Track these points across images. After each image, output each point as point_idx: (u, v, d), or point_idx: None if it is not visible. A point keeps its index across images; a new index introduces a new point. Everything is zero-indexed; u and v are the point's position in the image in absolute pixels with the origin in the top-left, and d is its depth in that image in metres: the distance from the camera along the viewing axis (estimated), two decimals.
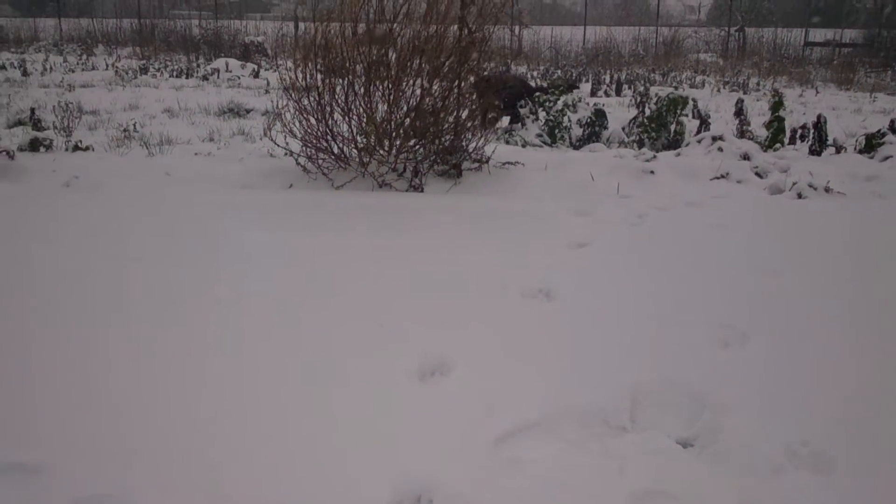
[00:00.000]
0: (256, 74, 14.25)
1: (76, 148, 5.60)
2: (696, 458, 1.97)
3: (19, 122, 6.92)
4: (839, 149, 6.06)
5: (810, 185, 4.75)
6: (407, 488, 1.81)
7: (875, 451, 1.97)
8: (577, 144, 6.89)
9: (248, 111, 8.74)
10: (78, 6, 34.83)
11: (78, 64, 15.42)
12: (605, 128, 7.15)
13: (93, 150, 5.70)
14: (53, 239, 3.53)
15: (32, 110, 6.71)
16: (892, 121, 6.35)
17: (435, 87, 5.12)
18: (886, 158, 5.52)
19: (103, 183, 4.58)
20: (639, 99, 7.96)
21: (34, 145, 5.40)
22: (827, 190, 4.77)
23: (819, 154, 6.01)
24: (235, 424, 2.04)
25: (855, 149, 6.08)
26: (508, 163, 5.39)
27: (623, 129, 7.20)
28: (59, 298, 2.81)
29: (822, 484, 1.85)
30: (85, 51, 18.54)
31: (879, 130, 6.05)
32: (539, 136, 6.84)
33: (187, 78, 13.72)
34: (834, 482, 1.85)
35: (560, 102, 7.03)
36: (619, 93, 13.33)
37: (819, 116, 6.17)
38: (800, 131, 6.52)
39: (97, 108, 8.39)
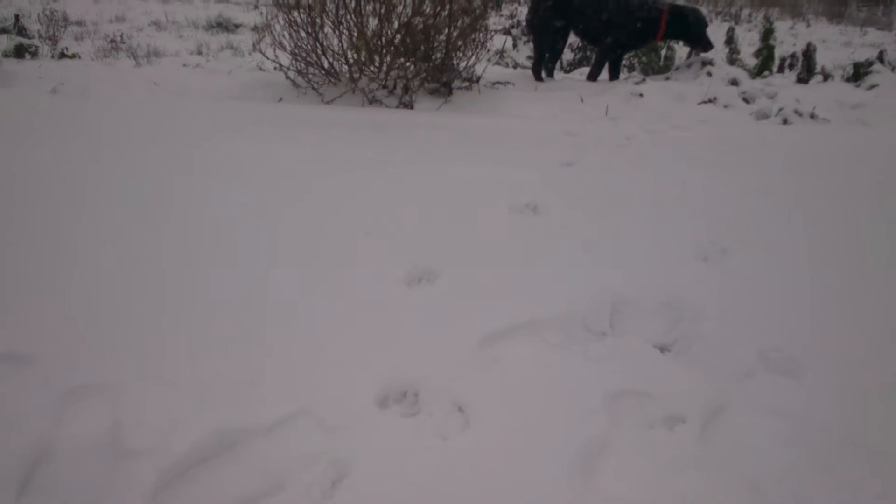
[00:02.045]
0: None
1: (62, 56, 5.52)
2: (672, 361, 2.04)
3: (3, 30, 6.75)
4: (826, 77, 6.10)
5: (796, 112, 4.81)
6: (394, 384, 1.86)
7: (841, 356, 2.05)
8: (569, 68, 6.86)
9: (237, 26, 8.58)
10: None
11: None
12: None
13: (79, 58, 5.61)
14: (39, 142, 3.47)
15: (16, 17, 6.55)
16: (880, 51, 6.37)
17: (426, 5, 5.05)
18: (872, 87, 5.57)
19: (90, 90, 4.51)
20: None
21: (19, 51, 5.31)
22: (812, 116, 4.83)
23: (807, 82, 6.05)
24: (225, 324, 2.06)
25: (843, 77, 6.11)
26: (499, 82, 5.39)
27: None
28: (46, 198, 2.79)
29: (791, 385, 1.93)
30: None
31: (867, 59, 6.08)
32: (530, 58, 6.79)
33: None
34: (802, 384, 1.93)
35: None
36: None
37: (808, 44, 6.19)
38: (788, 60, 6.54)
39: (83, 19, 8.18)
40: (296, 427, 1.70)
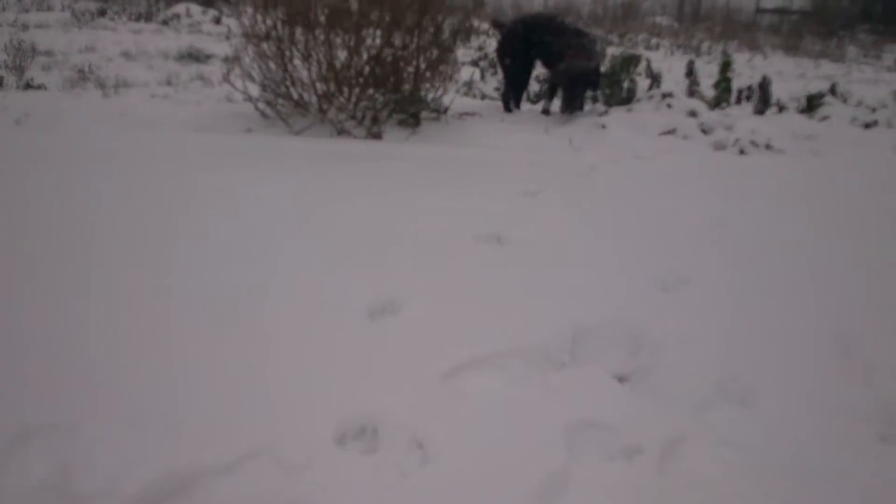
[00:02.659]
0: (218, 21, 13.92)
1: (28, 86, 5.49)
2: (631, 391, 2.07)
3: None
4: (782, 108, 6.28)
5: (752, 142, 4.96)
6: (352, 420, 1.85)
7: (797, 385, 2.10)
8: (535, 99, 6.99)
9: (207, 57, 8.58)
10: None
11: (33, 4, 14.76)
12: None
13: (46, 89, 5.58)
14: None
15: None
16: (832, 84, 6.60)
17: (396, 38, 5.14)
18: (825, 118, 5.76)
19: (56, 122, 4.49)
20: None
21: None
22: (768, 147, 4.98)
23: (763, 113, 6.22)
24: (185, 360, 2.05)
25: (797, 109, 6.30)
26: (466, 113, 5.48)
27: None
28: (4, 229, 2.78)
29: (748, 416, 1.96)
30: None
31: (820, 92, 6.29)
32: (497, 89, 6.91)
33: (146, 22, 13.33)
34: (758, 414, 1.97)
35: None
36: None
37: (764, 77, 6.37)
38: (745, 92, 6.73)
39: (52, 49, 8.14)
40: (253, 467, 1.69)
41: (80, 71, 6.58)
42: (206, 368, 2.02)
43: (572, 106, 5.58)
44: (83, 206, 3.12)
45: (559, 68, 5.55)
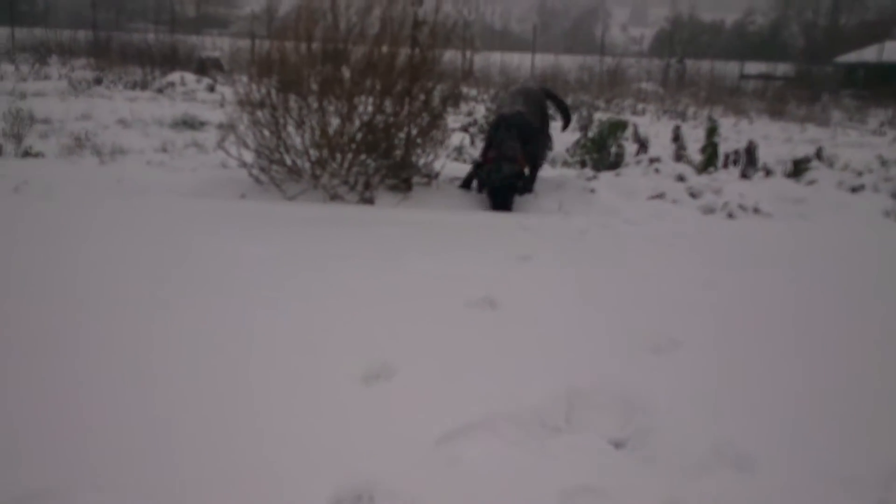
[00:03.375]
0: (212, 89, 14.16)
1: (26, 154, 5.56)
2: (628, 457, 2.05)
3: None
4: (768, 173, 6.40)
5: (740, 206, 5.04)
6: (348, 488, 1.82)
7: (792, 449, 2.10)
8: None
9: (202, 124, 8.71)
10: (32, 16, 34.05)
11: (31, 73, 15.01)
12: (550, 149, 7.38)
13: (44, 156, 5.64)
14: None
15: None
16: (818, 148, 6.74)
17: (387, 105, 5.25)
18: (811, 182, 5.87)
19: (54, 189, 4.54)
20: (583, 123, 8.24)
21: None
22: (756, 210, 5.06)
23: (750, 177, 6.34)
24: (181, 423, 2.05)
25: (783, 173, 6.42)
26: (457, 178, 5.55)
27: (567, 150, 7.45)
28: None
29: (744, 481, 1.95)
30: (38, 60, 18.05)
31: (806, 156, 6.42)
32: None
33: (142, 90, 13.56)
34: (755, 479, 1.96)
35: None
36: None
37: (750, 142, 6.52)
38: (732, 156, 6.86)
39: (49, 117, 8.24)
40: None
41: (77, 138, 6.66)
42: (198, 434, 2.00)
43: (498, 208, 5.11)
44: (76, 272, 3.13)
45: (480, 174, 5.25)
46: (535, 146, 5.40)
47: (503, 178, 4.99)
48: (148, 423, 2.04)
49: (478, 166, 5.27)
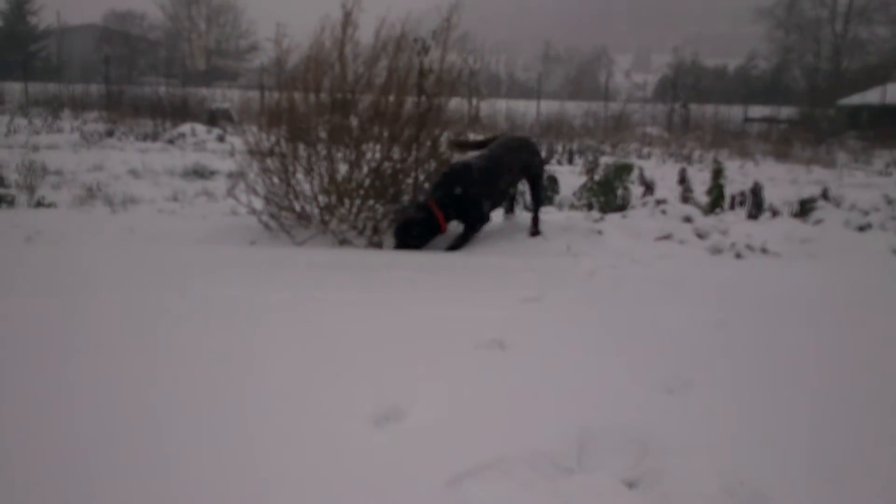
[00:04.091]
0: (222, 139, 14.36)
1: (39, 204, 5.64)
2: (641, 496, 2.02)
3: None
4: (775, 213, 6.42)
5: (748, 246, 5.04)
6: None
7: (805, 488, 2.08)
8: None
9: (212, 173, 8.83)
10: (46, 71, 34.89)
11: (43, 126, 15.31)
12: (557, 192, 7.46)
13: (56, 206, 5.72)
14: (9, 291, 3.50)
15: None
16: (824, 188, 6.76)
17: (395, 151, 5.33)
18: (818, 222, 5.87)
19: (65, 238, 4.59)
20: (589, 167, 8.32)
21: None
22: (763, 251, 5.05)
23: (756, 218, 6.35)
24: (187, 467, 2.05)
25: (790, 213, 6.43)
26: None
27: (574, 194, 7.51)
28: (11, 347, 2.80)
29: None
30: (51, 114, 18.44)
31: (812, 196, 6.44)
32: None
33: (153, 141, 13.77)
34: None
35: None
36: (570, 162, 13.87)
37: (755, 183, 6.54)
38: (738, 197, 6.89)
39: (61, 169, 8.37)
40: None
41: (89, 189, 6.76)
42: (204, 480, 2.00)
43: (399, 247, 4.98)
44: (84, 317, 3.16)
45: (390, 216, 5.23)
46: (481, 192, 5.16)
47: (405, 221, 4.90)
48: (151, 476, 2.03)
49: (396, 210, 5.13)
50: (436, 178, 5.22)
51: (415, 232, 4.88)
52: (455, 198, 4.97)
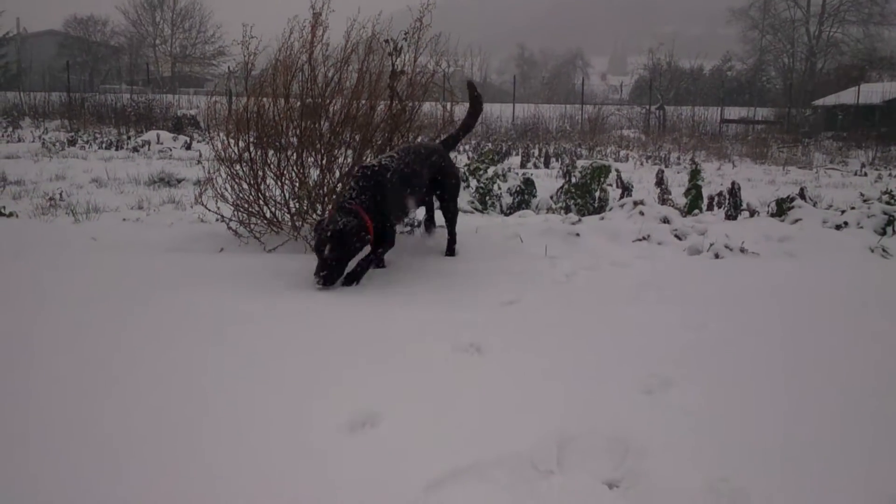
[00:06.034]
0: (189, 146, 14.25)
1: None
2: (622, 497, 2.01)
3: None
4: (753, 213, 6.40)
5: (726, 246, 5.00)
6: None
7: (786, 485, 2.07)
8: (508, 211, 7.10)
9: (179, 181, 8.73)
10: (5, 80, 34.46)
11: (3, 136, 15.11)
12: (534, 196, 7.41)
13: (17, 216, 5.58)
14: None
15: None
16: (801, 188, 6.75)
17: (367, 156, 5.23)
18: (796, 221, 5.85)
19: (26, 248, 4.47)
20: (566, 170, 8.28)
21: None
22: (742, 250, 5.02)
23: (734, 218, 6.33)
24: (163, 472, 2.03)
25: (768, 213, 6.42)
26: (440, 226, 5.49)
27: (551, 197, 7.48)
28: None
29: None
30: (11, 123, 18.18)
31: (789, 196, 6.42)
32: (471, 202, 7.02)
33: (117, 150, 13.61)
34: None
35: (490, 171, 7.26)
36: (547, 165, 13.86)
37: (733, 183, 6.52)
38: (716, 198, 6.87)
39: (22, 179, 8.26)
40: None
41: (51, 198, 6.62)
42: (181, 487, 1.98)
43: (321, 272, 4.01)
44: (44, 332, 3.09)
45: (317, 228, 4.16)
46: (398, 196, 4.42)
47: (332, 233, 3.98)
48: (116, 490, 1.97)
49: (319, 222, 4.23)
50: (349, 181, 4.48)
51: (349, 241, 4.03)
52: (376, 203, 4.23)
